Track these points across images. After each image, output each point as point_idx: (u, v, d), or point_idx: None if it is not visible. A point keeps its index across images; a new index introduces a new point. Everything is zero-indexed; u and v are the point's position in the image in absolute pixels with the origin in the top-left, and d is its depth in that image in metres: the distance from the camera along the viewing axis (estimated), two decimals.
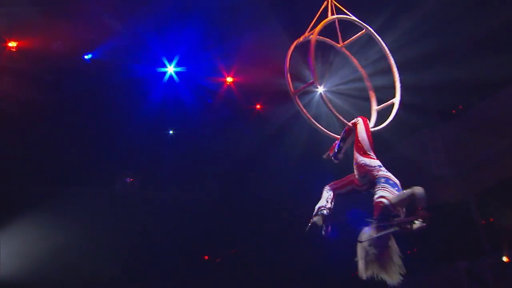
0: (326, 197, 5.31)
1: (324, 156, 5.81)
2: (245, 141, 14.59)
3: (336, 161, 5.64)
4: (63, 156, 13.55)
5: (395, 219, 4.71)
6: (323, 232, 5.17)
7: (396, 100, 5.76)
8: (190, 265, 15.00)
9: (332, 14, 6.00)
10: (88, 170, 14.00)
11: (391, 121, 5.67)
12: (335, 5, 6.11)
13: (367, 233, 4.71)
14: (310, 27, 5.87)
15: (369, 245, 4.66)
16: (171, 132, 14.37)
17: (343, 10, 6.09)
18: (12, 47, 11.63)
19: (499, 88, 12.22)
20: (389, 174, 5.08)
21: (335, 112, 5.48)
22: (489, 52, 11.56)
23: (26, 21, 11.17)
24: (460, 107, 13.16)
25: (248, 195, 15.20)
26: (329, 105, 5.57)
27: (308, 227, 5.13)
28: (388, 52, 6.00)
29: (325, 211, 5.16)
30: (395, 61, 5.97)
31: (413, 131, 13.26)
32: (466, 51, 11.94)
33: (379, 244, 4.69)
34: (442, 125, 13.53)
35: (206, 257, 15.50)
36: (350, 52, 6.57)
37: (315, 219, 5.13)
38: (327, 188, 5.44)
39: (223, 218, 15.22)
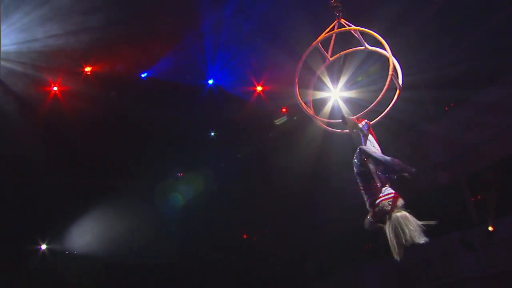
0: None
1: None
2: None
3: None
4: (126, 158, 15.41)
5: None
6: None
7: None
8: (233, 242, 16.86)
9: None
10: (145, 169, 15.79)
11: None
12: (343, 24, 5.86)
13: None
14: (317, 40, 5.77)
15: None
16: (212, 134, 16.06)
17: (350, 28, 5.82)
18: (88, 71, 13.58)
19: (488, 83, 13.00)
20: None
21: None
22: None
23: (98, 49, 12.88)
24: (452, 104, 14.26)
25: None
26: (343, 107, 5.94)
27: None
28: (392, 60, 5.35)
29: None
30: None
31: (412, 125, 14.32)
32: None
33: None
34: (437, 119, 14.45)
35: (245, 236, 17.45)
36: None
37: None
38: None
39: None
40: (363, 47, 5.79)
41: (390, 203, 4.63)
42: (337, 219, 16.16)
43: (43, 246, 16.34)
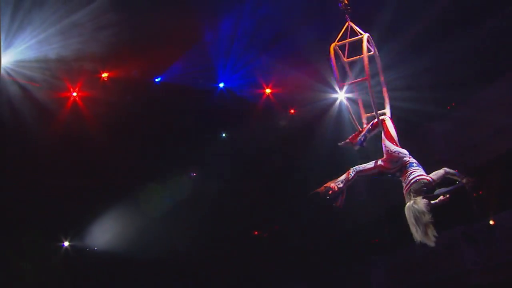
0: (343, 178, 5.69)
1: (341, 144, 6.19)
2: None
3: (356, 148, 6.08)
4: (142, 159, 15.94)
5: (440, 190, 5.55)
6: (333, 204, 5.53)
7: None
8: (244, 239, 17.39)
9: (351, 34, 6.39)
10: (162, 169, 16.23)
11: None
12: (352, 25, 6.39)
13: (423, 201, 5.33)
14: (336, 41, 6.34)
15: (424, 212, 5.25)
16: (224, 135, 16.65)
17: (359, 31, 6.33)
18: (105, 77, 14.12)
19: (487, 84, 13.44)
20: (415, 160, 5.72)
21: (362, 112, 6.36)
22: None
23: (114, 55, 13.30)
24: (453, 104, 14.70)
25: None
26: (350, 109, 6.42)
27: (309, 195, 5.49)
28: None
29: (335, 188, 5.51)
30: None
31: (416, 125, 14.58)
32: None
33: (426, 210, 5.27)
34: (439, 119, 14.85)
35: (256, 232, 17.93)
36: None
37: (320, 191, 5.46)
38: (352, 170, 5.81)
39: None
40: (372, 52, 6.36)
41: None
42: (345, 214, 16.56)
43: (66, 243, 17.15)
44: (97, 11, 11.92)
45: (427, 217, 5.30)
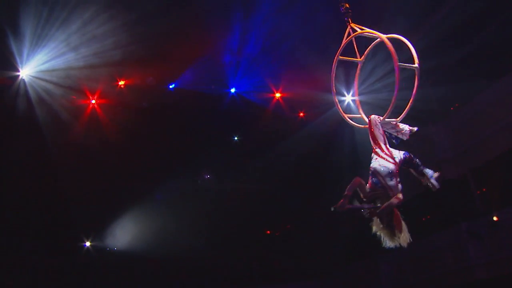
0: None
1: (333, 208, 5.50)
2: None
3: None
4: (158, 162, 16.45)
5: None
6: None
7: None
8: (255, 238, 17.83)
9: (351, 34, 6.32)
10: (176, 171, 16.85)
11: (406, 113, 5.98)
12: (353, 28, 6.37)
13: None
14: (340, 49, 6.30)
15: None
16: (236, 138, 17.18)
17: (361, 32, 6.24)
18: (122, 85, 14.63)
19: (490, 82, 13.61)
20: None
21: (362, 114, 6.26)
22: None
23: (130, 64, 13.69)
24: (456, 104, 15.00)
25: None
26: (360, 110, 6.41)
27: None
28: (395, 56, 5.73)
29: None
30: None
31: (420, 125, 14.96)
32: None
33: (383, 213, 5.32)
34: (443, 119, 15.16)
35: (268, 232, 18.34)
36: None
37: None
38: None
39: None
40: (379, 39, 6.13)
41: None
42: (353, 212, 16.89)
43: (87, 243, 17.89)
44: (114, 24, 12.48)
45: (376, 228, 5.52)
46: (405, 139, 6.15)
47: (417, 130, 6.14)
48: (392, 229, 5.48)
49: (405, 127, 6.18)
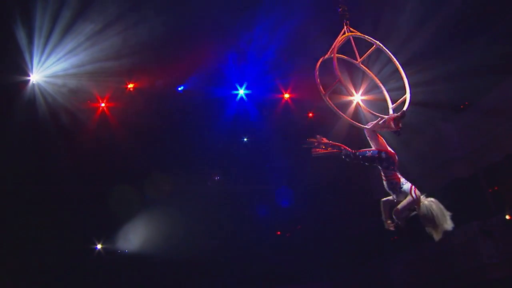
0: (335, 145, 5.98)
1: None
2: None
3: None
4: (166, 164, 16.65)
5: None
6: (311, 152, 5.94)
7: (407, 96, 5.98)
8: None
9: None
10: (185, 173, 16.93)
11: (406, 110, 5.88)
12: (351, 30, 6.35)
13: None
14: (331, 49, 6.09)
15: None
16: (245, 139, 17.19)
17: (357, 33, 6.31)
18: (131, 88, 14.74)
19: (499, 82, 13.59)
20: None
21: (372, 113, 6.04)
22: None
23: (139, 67, 13.85)
24: (466, 102, 14.88)
25: None
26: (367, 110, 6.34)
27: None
28: (396, 61, 6.19)
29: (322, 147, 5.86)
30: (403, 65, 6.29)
31: (431, 124, 14.83)
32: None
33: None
34: (453, 117, 15.08)
35: (279, 232, 18.38)
36: (368, 66, 6.92)
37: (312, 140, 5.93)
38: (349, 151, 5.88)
39: None
40: (375, 45, 6.28)
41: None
42: (364, 213, 16.91)
43: (99, 246, 18.02)
44: (123, 29, 12.62)
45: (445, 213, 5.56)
46: (397, 129, 5.86)
47: (402, 114, 5.79)
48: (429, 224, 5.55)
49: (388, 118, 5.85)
